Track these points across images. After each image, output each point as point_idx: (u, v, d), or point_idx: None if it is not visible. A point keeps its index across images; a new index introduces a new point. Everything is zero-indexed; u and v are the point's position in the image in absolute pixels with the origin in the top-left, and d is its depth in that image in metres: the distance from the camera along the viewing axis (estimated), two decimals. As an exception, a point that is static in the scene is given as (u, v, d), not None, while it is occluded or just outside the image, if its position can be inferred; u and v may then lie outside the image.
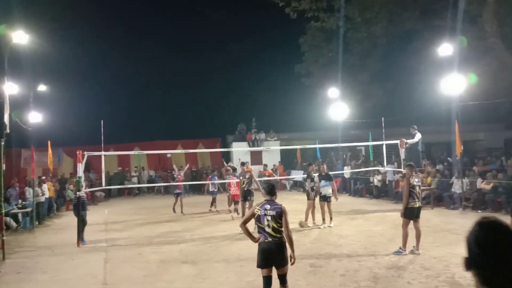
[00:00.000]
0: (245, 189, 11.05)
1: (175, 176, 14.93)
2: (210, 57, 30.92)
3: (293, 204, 13.30)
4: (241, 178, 11.25)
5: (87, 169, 19.92)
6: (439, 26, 18.01)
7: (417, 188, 7.82)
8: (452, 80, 13.38)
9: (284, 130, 25.76)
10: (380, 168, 16.64)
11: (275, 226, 4.77)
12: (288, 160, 24.15)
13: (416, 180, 7.86)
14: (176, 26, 32.11)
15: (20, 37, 11.26)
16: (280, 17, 20.31)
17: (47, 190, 14.30)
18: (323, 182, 10.99)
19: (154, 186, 21.94)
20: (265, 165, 21.33)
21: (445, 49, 14.64)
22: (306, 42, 22.65)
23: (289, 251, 4.80)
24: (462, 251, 1.55)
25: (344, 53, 21.50)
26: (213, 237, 10.30)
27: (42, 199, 13.79)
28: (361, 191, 18.33)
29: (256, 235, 4.94)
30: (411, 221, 7.77)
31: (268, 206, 4.87)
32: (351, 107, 19.65)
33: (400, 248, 7.87)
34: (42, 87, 18.82)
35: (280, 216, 4.78)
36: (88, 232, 11.24)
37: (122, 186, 19.17)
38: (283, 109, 28.17)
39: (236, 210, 12.87)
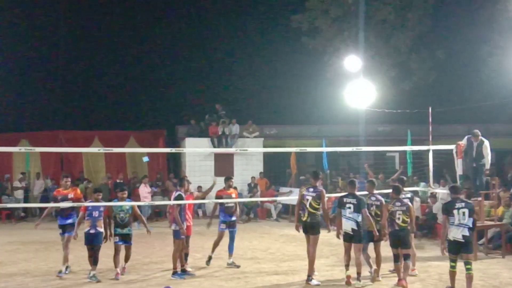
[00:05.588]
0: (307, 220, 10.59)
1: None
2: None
3: (284, 246, 13.40)
4: (307, 197, 10.63)
5: None
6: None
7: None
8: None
9: (271, 122, 25.95)
10: (421, 189, 16.70)
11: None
12: (275, 170, 24.23)
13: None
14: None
15: None
16: None
17: None
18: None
19: (54, 207, 20.20)
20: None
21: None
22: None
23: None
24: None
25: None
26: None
27: None
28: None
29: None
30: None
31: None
32: (380, 89, 20.07)
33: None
34: None
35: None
36: None
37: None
38: (270, 88, 28.74)
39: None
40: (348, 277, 9.93)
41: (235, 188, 14.60)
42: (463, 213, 8.88)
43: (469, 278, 8.91)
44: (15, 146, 19.88)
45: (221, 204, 12.31)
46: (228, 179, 12.79)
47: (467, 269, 8.90)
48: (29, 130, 23.88)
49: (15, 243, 15.77)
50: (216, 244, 12.28)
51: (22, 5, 28.67)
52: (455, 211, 8.92)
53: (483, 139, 14.08)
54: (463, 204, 9.01)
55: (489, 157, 14.26)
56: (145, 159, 23.17)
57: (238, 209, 12.79)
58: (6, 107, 26.50)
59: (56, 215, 12.10)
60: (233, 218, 12.35)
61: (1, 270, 12.05)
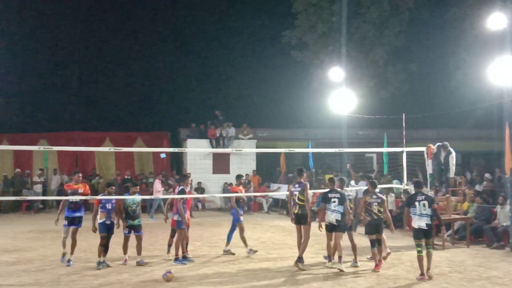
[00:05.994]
0: (299, 212, 11.13)
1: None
2: (157, 14, 30.98)
3: (274, 235, 13.77)
4: (295, 192, 11.28)
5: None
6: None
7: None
8: (505, 64, 13.12)
9: (264, 125, 26.03)
10: (396, 186, 16.91)
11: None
12: (267, 169, 24.97)
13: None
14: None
15: None
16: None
17: None
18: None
19: (68, 199, 21.21)
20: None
21: (497, 20, 14.30)
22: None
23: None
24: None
25: (353, 18, 21.77)
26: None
27: None
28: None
29: None
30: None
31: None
32: (360, 97, 20.19)
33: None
34: None
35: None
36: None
37: (18, 198, 18.28)
38: (263, 96, 28.59)
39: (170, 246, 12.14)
40: (341, 270, 10.36)
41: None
42: (424, 204, 9.80)
43: (429, 256, 9.73)
44: (35, 145, 20.37)
45: (237, 198, 12.47)
46: (240, 177, 13.27)
47: (427, 249, 9.74)
48: (48, 131, 23.86)
49: (34, 231, 16.28)
50: (243, 236, 12.38)
51: (42, 14, 28.20)
52: (416, 203, 9.88)
53: (451, 150, 14.29)
54: (423, 197, 9.98)
55: (454, 168, 14.38)
56: (163, 155, 23.51)
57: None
58: (27, 110, 26.35)
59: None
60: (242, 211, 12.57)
61: (22, 255, 12.34)
